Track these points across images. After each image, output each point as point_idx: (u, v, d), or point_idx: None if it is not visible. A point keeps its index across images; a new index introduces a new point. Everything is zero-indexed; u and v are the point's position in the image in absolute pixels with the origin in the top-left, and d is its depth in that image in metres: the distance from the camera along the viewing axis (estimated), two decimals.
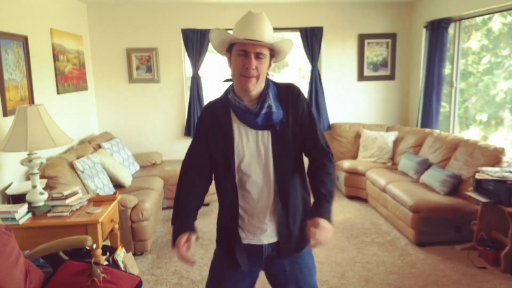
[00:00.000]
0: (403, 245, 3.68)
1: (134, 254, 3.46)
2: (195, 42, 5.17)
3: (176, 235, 1.52)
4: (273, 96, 1.56)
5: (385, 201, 4.20)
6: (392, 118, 5.82)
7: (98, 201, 2.88)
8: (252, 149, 1.55)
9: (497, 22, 4.61)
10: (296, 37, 5.34)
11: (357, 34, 5.55)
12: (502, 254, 3.13)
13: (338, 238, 3.86)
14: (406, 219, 3.72)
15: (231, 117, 1.56)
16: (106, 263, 2.73)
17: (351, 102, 5.73)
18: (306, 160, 1.65)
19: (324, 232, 1.38)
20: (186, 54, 5.30)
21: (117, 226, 3.03)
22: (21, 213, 2.51)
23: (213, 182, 1.68)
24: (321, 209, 1.46)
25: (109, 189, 3.71)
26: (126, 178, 4.13)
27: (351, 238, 3.86)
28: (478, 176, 3.33)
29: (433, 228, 3.59)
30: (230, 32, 1.51)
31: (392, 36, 5.59)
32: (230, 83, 1.62)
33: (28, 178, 3.11)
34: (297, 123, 1.56)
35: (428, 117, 5.01)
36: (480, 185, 3.31)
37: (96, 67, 5.23)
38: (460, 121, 4.97)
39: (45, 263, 2.43)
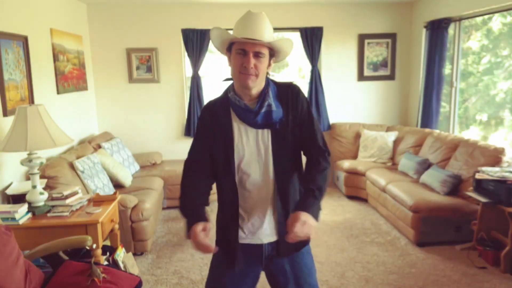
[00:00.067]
0: (403, 245, 3.68)
1: (134, 254, 3.47)
2: (195, 42, 5.17)
3: (190, 225, 1.49)
4: (273, 95, 1.56)
5: (385, 201, 4.20)
6: (392, 118, 5.82)
7: (98, 201, 2.88)
8: (252, 148, 1.55)
9: (497, 22, 4.61)
10: (296, 37, 5.34)
11: (357, 34, 5.55)
12: (502, 254, 3.13)
13: (338, 238, 3.86)
14: (406, 219, 3.72)
15: (231, 116, 1.57)
16: (106, 263, 2.73)
17: (351, 102, 5.73)
18: (305, 160, 1.65)
19: (305, 226, 1.38)
20: (186, 54, 5.30)
21: (117, 226, 3.03)
22: (21, 213, 2.51)
23: None
24: (306, 203, 1.46)
25: (109, 189, 3.71)
26: (126, 178, 4.13)
27: (351, 238, 3.86)
28: (478, 176, 3.33)
29: (433, 228, 3.59)
30: (231, 32, 1.51)
31: (392, 36, 5.59)
32: (230, 82, 1.62)
33: (28, 178, 3.11)
34: (297, 122, 1.57)
35: (428, 117, 5.01)
36: (480, 185, 3.31)
37: (96, 67, 5.23)
38: (460, 121, 4.97)
39: (45, 263, 2.43)
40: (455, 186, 3.78)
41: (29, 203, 2.64)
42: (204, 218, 1.51)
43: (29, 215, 2.59)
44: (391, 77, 5.71)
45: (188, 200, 1.58)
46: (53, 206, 2.70)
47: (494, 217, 3.32)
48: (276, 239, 1.61)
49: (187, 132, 5.38)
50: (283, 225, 1.57)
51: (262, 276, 1.74)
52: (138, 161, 4.92)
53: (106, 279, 2.08)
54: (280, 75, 6.12)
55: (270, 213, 1.59)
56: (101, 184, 3.62)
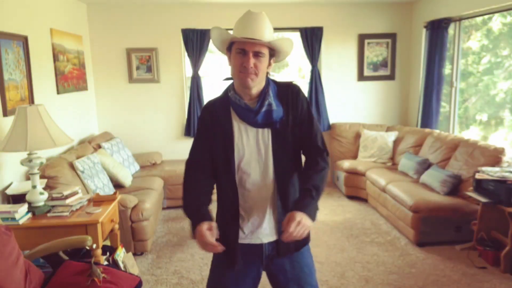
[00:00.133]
0: (403, 245, 3.68)
1: (134, 254, 3.46)
2: (195, 42, 5.17)
3: (195, 225, 1.49)
4: (273, 94, 1.57)
5: (385, 201, 4.20)
6: (392, 118, 5.82)
7: (98, 201, 2.88)
8: (252, 148, 1.55)
9: (497, 22, 4.61)
10: (296, 37, 5.34)
11: (357, 34, 5.55)
12: (502, 254, 3.13)
13: (338, 238, 3.86)
14: (406, 219, 3.72)
15: (231, 115, 1.57)
16: (106, 263, 2.73)
17: (351, 102, 5.73)
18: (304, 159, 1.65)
19: (300, 226, 1.38)
20: (186, 54, 5.30)
21: (117, 226, 3.02)
22: (21, 213, 2.51)
23: None
24: (302, 203, 1.46)
25: (109, 189, 3.71)
26: (126, 178, 4.13)
27: (351, 238, 3.86)
28: (478, 176, 3.33)
29: (433, 228, 3.59)
30: (231, 32, 1.51)
31: (392, 36, 5.59)
32: (230, 81, 1.62)
33: (28, 178, 3.11)
34: (296, 121, 1.57)
35: (428, 117, 5.01)
36: (480, 185, 3.31)
37: (96, 67, 5.23)
38: (460, 121, 4.97)
39: (45, 263, 2.43)
40: (455, 186, 3.78)
41: (29, 203, 2.64)
42: (209, 218, 1.52)
43: (29, 215, 2.59)
44: (391, 77, 5.71)
45: (191, 200, 1.59)
46: (53, 206, 2.70)
47: (494, 217, 3.32)
48: (276, 239, 1.61)
49: (187, 132, 5.38)
50: None
51: (262, 276, 1.74)
52: (138, 161, 4.92)
53: (106, 279, 2.08)
54: (280, 75, 6.12)
55: (270, 212, 1.59)
56: (101, 184, 3.62)
